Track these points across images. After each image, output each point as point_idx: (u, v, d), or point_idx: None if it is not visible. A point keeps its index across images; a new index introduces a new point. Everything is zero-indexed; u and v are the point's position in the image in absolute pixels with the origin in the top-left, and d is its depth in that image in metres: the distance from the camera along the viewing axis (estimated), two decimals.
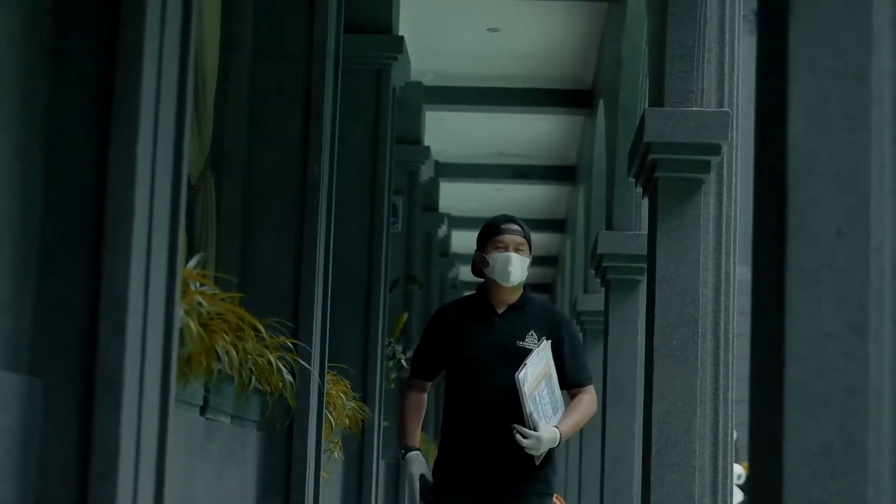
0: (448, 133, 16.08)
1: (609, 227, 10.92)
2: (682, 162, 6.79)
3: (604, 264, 10.54)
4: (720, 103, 6.93)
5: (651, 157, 6.84)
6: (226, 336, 4.91)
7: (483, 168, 17.69)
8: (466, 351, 5.74)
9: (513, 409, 5.51)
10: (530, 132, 16.67)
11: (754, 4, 4.11)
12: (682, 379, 6.72)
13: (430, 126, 15.21)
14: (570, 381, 5.80)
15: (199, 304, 4.61)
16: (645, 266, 7.64)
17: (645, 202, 7.89)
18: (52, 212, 3.44)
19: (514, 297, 5.78)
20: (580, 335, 5.71)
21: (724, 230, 6.89)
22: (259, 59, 6.79)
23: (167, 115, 3.62)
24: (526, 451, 5.48)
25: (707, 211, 6.88)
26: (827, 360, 3.42)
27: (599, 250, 10.58)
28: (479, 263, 5.81)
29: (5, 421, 3.18)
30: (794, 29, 3.49)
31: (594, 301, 13.09)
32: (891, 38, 3.55)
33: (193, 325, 4.42)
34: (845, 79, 3.47)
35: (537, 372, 5.51)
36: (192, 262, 4.90)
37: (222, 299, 4.99)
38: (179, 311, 3.91)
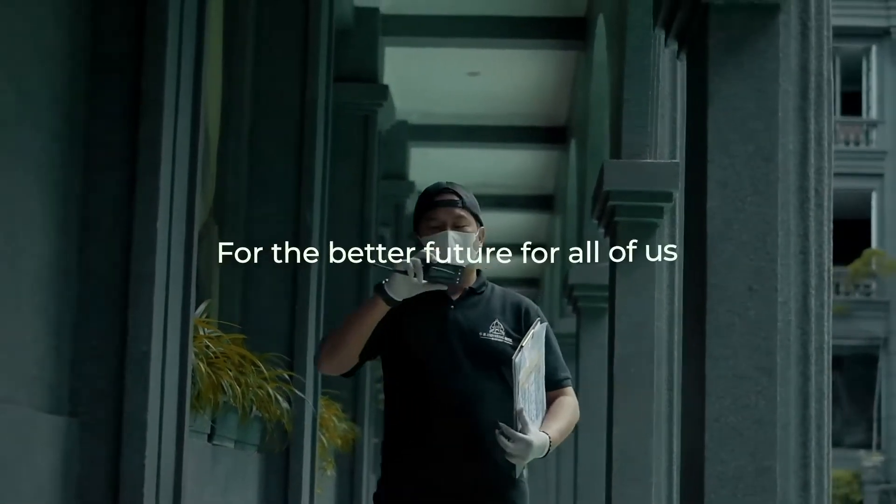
0: (432, 167, 16.56)
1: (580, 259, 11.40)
2: (638, 208, 7.28)
3: (574, 293, 11.04)
4: (672, 154, 7.42)
5: (610, 203, 7.34)
6: (230, 372, 5.40)
7: None
8: (416, 345, 4.19)
9: (477, 418, 4.11)
10: (509, 165, 17.19)
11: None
12: (639, 403, 7.21)
13: (415, 161, 15.72)
14: (548, 381, 4.29)
15: (207, 346, 5.11)
16: None
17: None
18: (85, 277, 3.93)
19: (468, 282, 4.30)
20: None
21: (676, 269, 7.37)
22: (257, 116, 7.28)
23: (180, 194, 4.12)
24: (508, 457, 4.03)
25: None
26: (741, 397, 3.92)
27: (570, 280, 11.09)
28: (417, 249, 4.34)
29: (48, 457, 3.67)
30: (711, 118, 3.99)
31: (569, 324, 13.57)
32: (795, 121, 4.07)
33: (203, 366, 4.91)
34: (755, 160, 3.98)
35: (533, 360, 4.16)
36: (200, 309, 5.38)
37: (227, 340, 5.49)
38: (192, 358, 4.40)
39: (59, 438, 3.73)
